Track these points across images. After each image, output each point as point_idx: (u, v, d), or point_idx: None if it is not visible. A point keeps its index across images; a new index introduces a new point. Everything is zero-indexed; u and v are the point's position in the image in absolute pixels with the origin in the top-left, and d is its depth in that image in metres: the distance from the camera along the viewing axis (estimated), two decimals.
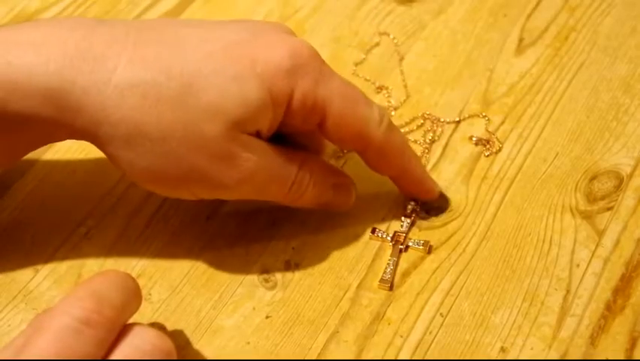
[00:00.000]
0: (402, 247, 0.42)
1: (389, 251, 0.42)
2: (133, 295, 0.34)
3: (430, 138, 0.47)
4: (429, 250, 0.42)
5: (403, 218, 0.43)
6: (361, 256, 0.42)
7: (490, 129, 0.47)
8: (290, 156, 0.38)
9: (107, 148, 0.36)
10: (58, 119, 0.35)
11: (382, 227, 0.43)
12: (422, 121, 0.47)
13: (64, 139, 0.37)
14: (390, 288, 0.40)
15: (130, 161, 0.36)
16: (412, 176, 0.41)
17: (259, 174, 0.37)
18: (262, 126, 0.37)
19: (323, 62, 0.38)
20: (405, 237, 0.42)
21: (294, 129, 0.39)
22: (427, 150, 0.46)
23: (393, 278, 0.41)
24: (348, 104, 0.38)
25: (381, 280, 0.40)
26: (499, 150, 0.46)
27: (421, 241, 0.42)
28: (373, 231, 0.42)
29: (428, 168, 0.45)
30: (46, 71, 0.34)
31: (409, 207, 0.43)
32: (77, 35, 0.35)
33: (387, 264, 0.41)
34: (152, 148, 0.35)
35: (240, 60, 0.35)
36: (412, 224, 0.43)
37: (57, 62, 0.34)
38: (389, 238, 0.42)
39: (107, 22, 0.36)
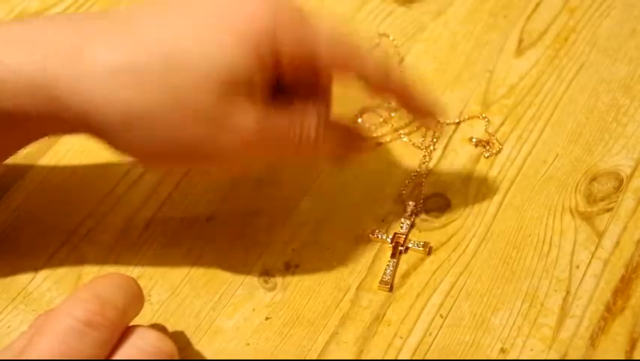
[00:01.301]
0: (402, 248, 0.42)
1: (389, 252, 0.42)
2: (135, 298, 0.34)
3: (430, 139, 0.47)
4: (429, 251, 0.42)
5: (402, 219, 0.43)
6: (361, 257, 0.42)
7: (489, 130, 0.47)
8: (294, 110, 0.37)
9: (103, 136, 0.36)
10: (48, 115, 0.35)
11: (382, 228, 0.43)
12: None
13: (59, 134, 0.37)
14: (390, 289, 0.40)
15: (129, 144, 0.35)
16: (411, 90, 0.40)
17: (264, 132, 0.36)
18: (256, 86, 0.36)
19: (301, 9, 0.37)
20: (405, 238, 0.42)
21: (293, 80, 0.38)
22: (427, 152, 0.46)
23: (393, 279, 0.41)
24: (336, 40, 0.37)
25: (381, 282, 0.40)
26: (499, 151, 0.46)
27: (421, 242, 0.42)
28: (373, 232, 0.42)
29: (428, 169, 0.45)
30: (32, 68, 0.34)
31: (409, 208, 0.43)
32: (59, 30, 0.35)
33: (387, 265, 0.41)
34: (147, 129, 0.35)
35: (220, 26, 0.35)
36: (412, 225, 0.43)
37: (41, 59, 0.34)
38: (389, 239, 0.42)
39: (87, 15, 0.36)
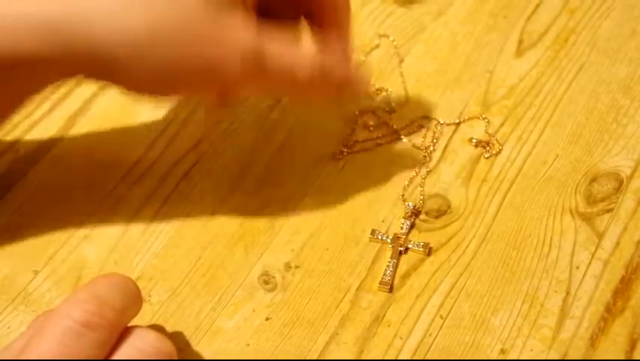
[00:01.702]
0: (401, 248, 0.42)
1: (389, 253, 0.42)
2: (134, 298, 0.34)
3: (430, 140, 0.47)
4: (428, 251, 0.42)
5: (402, 220, 0.43)
6: (361, 258, 0.42)
7: (489, 131, 0.47)
8: (296, 43, 0.38)
9: (110, 70, 0.36)
10: (55, 56, 0.35)
11: (382, 229, 0.43)
12: (422, 123, 0.48)
13: (62, 78, 0.37)
14: (390, 290, 0.40)
15: (136, 73, 0.36)
16: (347, 35, 0.41)
17: (265, 51, 0.36)
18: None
19: None
20: (404, 239, 0.42)
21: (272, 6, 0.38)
22: (426, 152, 0.46)
23: (392, 280, 0.41)
24: None
25: (381, 282, 0.40)
26: (499, 151, 0.46)
27: (421, 243, 0.42)
28: (373, 233, 0.42)
29: (428, 169, 0.45)
30: (35, 12, 0.34)
31: (409, 208, 0.43)
32: None
33: (387, 266, 0.41)
34: (153, 51, 0.35)
35: None
36: (412, 226, 0.43)
37: (44, 3, 0.34)
38: (389, 240, 0.42)
39: None
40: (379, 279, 0.41)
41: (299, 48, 0.38)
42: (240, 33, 0.36)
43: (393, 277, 0.41)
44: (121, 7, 0.34)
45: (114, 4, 0.34)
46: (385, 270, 0.41)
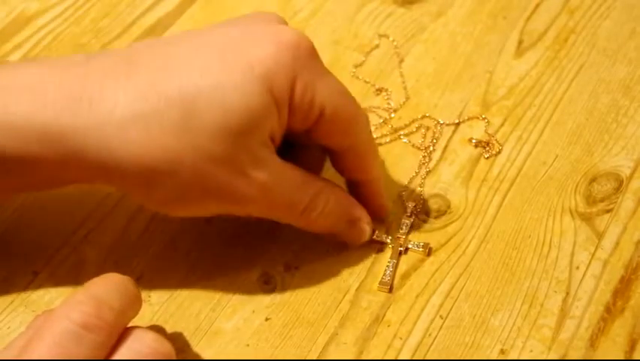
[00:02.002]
0: (401, 249, 0.42)
1: (388, 253, 0.42)
2: (133, 299, 0.34)
3: (430, 140, 0.47)
4: (428, 252, 0.42)
5: (402, 220, 0.43)
6: (361, 258, 0.42)
7: (489, 131, 0.47)
8: (308, 179, 0.38)
9: (121, 185, 0.36)
10: (62, 163, 0.34)
11: (382, 229, 0.43)
12: (422, 123, 0.48)
13: (75, 182, 0.37)
14: (390, 290, 0.40)
15: (144, 194, 0.36)
16: (376, 184, 0.41)
17: (274, 188, 0.36)
18: (271, 131, 0.35)
19: (317, 56, 0.37)
20: (404, 239, 0.42)
21: (296, 135, 0.38)
22: (426, 152, 0.46)
23: (392, 280, 0.41)
24: (343, 98, 0.37)
25: (381, 283, 0.40)
26: (499, 152, 0.46)
27: (421, 243, 0.42)
28: (373, 233, 0.42)
29: (428, 169, 0.45)
30: (44, 116, 0.33)
31: (409, 209, 0.43)
32: (71, 75, 0.34)
33: (387, 266, 0.41)
34: (165, 177, 0.34)
35: (236, 67, 0.34)
36: (412, 226, 0.43)
37: (54, 107, 0.33)
38: (388, 240, 0.42)
39: (98, 57, 0.36)
40: (379, 279, 0.41)
41: (311, 187, 0.38)
42: (256, 170, 0.35)
43: (393, 277, 0.41)
44: (133, 130, 0.33)
45: (128, 123, 0.33)
46: (385, 270, 0.41)
